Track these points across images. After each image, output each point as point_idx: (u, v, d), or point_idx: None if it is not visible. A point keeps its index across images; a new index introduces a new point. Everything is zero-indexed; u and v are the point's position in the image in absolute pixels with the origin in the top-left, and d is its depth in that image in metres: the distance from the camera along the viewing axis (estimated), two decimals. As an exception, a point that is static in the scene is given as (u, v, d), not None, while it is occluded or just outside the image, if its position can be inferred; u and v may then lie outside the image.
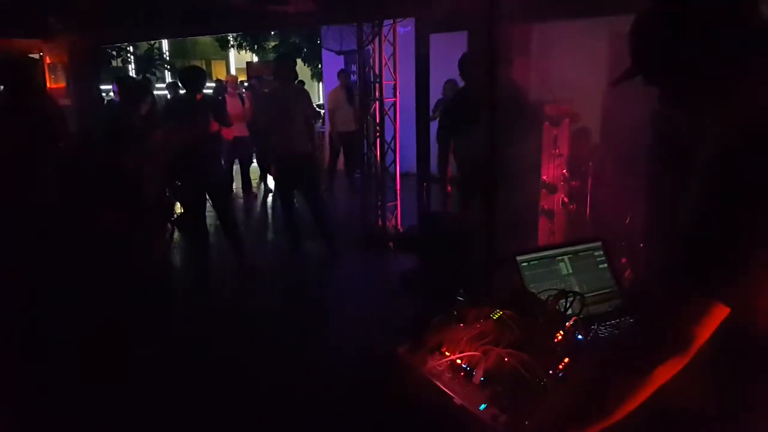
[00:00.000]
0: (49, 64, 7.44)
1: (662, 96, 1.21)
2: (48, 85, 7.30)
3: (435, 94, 7.19)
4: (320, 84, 15.19)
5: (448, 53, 5.71)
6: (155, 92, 9.73)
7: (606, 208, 4.37)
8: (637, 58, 1.21)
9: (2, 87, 4.04)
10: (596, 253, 1.99)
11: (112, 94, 8.18)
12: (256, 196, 9.24)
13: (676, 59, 1.13)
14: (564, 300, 1.64)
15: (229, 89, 9.06)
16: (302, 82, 5.99)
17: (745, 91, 1.08)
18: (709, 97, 1.13)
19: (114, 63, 14.07)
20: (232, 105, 8.34)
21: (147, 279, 5.11)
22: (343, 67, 9.67)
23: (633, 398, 1.02)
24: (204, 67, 16.26)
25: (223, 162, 7.76)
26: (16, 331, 3.73)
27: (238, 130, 8.18)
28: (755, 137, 1.01)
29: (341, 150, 9.02)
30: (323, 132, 10.53)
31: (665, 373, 1.00)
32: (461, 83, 4.83)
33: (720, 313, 0.98)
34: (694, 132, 1.19)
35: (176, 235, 6.67)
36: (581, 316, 1.62)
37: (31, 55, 6.21)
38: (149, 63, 14.40)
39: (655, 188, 2.56)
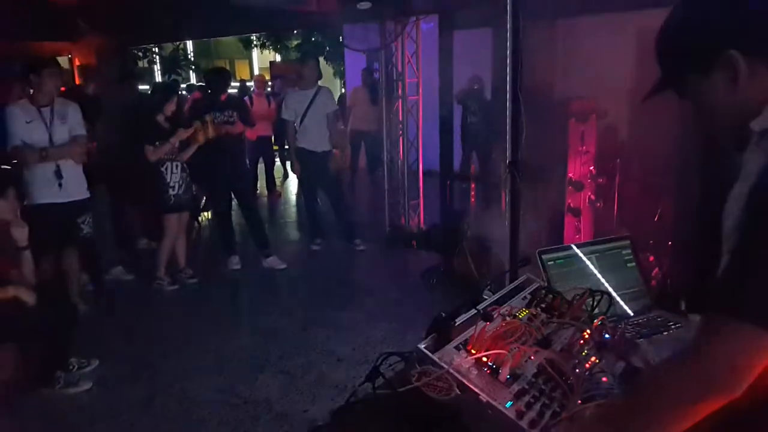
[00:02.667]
0: (78, 65, 7.60)
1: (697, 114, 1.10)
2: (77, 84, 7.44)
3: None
4: (342, 82, 15.24)
5: (471, 50, 5.69)
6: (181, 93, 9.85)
7: (633, 205, 4.32)
8: (667, 70, 1.10)
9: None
10: (624, 252, 1.97)
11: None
12: (280, 194, 9.32)
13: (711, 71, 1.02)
14: (591, 299, 1.62)
15: (256, 89, 9.13)
16: (329, 90, 6.01)
17: None
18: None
19: (140, 64, 14.29)
20: (259, 104, 8.41)
21: (172, 275, 5.19)
22: (365, 65, 9.67)
23: (673, 427, 0.96)
24: (228, 67, 16.46)
25: (248, 161, 7.83)
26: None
27: (262, 129, 8.24)
28: None
29: (362, 148, 9.01)
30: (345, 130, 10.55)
31: (709, 408, 0.93)
32: (486, 80, 4.80)
33: None
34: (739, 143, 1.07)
35: (202, 232, 6.77)
36: (608, 315, 1.60)
37: (58, 58, 6.33)
38: (174, 63, 14.60)
39: (690, 188, 2.48)
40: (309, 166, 5.87)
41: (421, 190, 6.50)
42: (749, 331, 0.90)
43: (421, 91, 6.28)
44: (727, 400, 0.92)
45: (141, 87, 8.96)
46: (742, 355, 0.91)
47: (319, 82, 5.94)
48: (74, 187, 4.14)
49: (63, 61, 7.00)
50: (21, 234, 3.30)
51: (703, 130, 1.12)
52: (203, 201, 6.42)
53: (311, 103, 5.73)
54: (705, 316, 0.98)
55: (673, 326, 1.76)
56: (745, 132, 1.02)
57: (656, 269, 3.65)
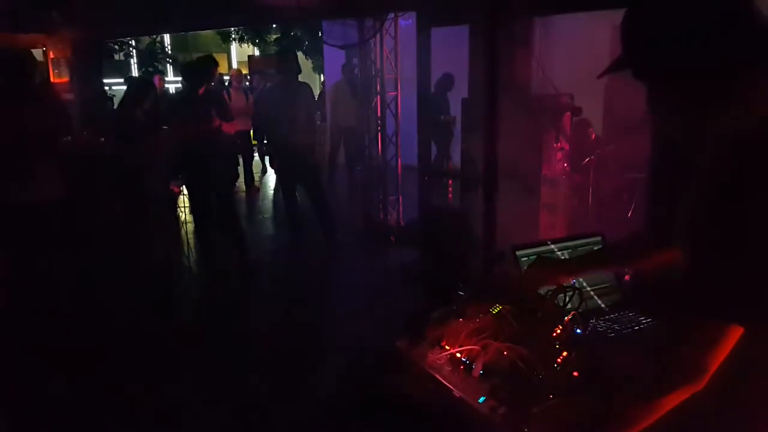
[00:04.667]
0: (52, 58, 7.44)
1: (650, 93, 1.12)
2: (51, 79, 7.31)
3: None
4: (322, 77, 15.15)
5: (449, 47, 5.71)
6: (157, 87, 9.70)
7: (607, 202, 4.39)
8: (628, 49, 1.11)
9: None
10: (596, 248, 2.00)
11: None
12: (258, 189, 9.26)
13: (667, 55, 1.04)
14: (563, 294, 1.65)
15: (234, 83, 9.06)
16: (309, 86, 5.95)
17: (741, 97, 1.00)
18: (700, 100, 1.05)
19: (116, 57, 14.06)
20: (237, 99, 8.34)
21: (150, 272, 5.14)
22: (344, 60, 9.64)
23: (640, 421, 1.00)
24: (206, 61, 16.15)
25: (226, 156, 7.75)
26: (19, 326, 3.77)
27: (241, 124, 8.17)
28: (756, 148, 0.95)
29: (341, 143, 8.99)
30: (324, 126, 10.48)
31: (675, 399, 0.98)
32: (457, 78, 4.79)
33: (734, 334, 0.94)
34: (687, 134, 1.13)
35: (179, 228, 6.70)
36: (580, 311, 1.63)
37: (32, 50, 6.21)
38: (151, 57, 14.39)
39: (655, 186, 2.54)
40: (288, 161, 5.85)
41: (399, 185, 6.52)
42: (711, 326, 0.94)
43: (399, 87, 6.30)
44: (691, 392, 0.97)
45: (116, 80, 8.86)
46: (705, 349, 0.95)
47: (299, 77, 5.91)
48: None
49: (38, 53, 6.85)
50: None
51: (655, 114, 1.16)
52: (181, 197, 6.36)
53: (290, 98, 5.70)
54: (670, 312, 1.02)
55: (644, 322, 1.80)
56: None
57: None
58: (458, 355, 1.34)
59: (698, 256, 0.98)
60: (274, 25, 14.25)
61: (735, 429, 1.07)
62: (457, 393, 1.23)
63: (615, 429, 1.03)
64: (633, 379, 1.05)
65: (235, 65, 19.08)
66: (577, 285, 1.71)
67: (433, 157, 7.18)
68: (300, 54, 11.59)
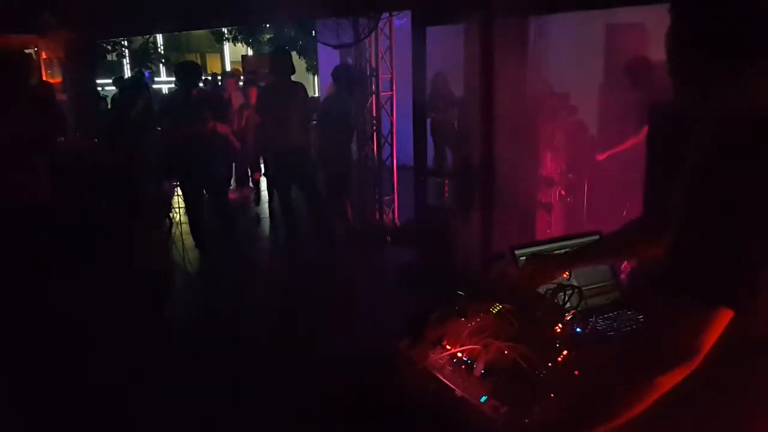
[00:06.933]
0: (44, 59, 7.41)
1: (676, 60, 1.12)
2: (44, 80, 7.26)
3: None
4: (315, 77, 15.14)
5: (444, 46, 5.71)
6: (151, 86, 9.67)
7: (603, 200, 4.40)
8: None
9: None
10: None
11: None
12: (253, 190, 9.23)
13: (707, 23, 1.05)
14: (562, 293, 1.66)
15: (233, 84, 9.03)
16: (303, 86, 5.93)
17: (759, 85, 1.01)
18: (724, 77, 1.05)
19: (109, 57, 14.00)
20: (236, 99, 8.31)
21: (145, 273, 5.12)
22: (338, 60, 9.63)
23: (636, 405, 1.01)
24: (199, 61, 16.21)
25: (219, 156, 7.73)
26: (10, 332, 3.73)
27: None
28: (753, 133, 0.96)
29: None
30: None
31: (669, 381, 0.99)
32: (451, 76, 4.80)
33: (724, 317, 0.96)
34: (692, 118, 1.12)
35: (173, 229, 6.68)
36: (579, 309, 1.64)
37: (26, 51, 6.18)
38: (144, 57, 14.34)
39: (650, 180, 2.55)
40: (282, 162, 5.84)
41: (395, 185, 6.52)
42: (701, 309, 0.97)
43: (394, 86, 6.30)
44: (685, 373, 0.98)
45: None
46: (696, 331, 0.97)
47: (293, 77, 5.89)
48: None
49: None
50: None
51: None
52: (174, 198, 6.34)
53: (284, 98, 5.69)
54: (667, 295, 1.03)
55: (642, 320, 1.81)
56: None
57: (626, 263, 3.72)
58: (459, 354, 1.34)
59: (689, 242, 0.99)
60: (267, 25, 14.23)
61: (728, 410, 1.08)
62: (458, 392, 1.23)
63: (611, 412, 1.03)
64: (626, 362, 1.06)
65: (228, 65, 19.06)
66: (575, 283, 1.73)
67: (431, 157, 7.18)
68: (294, 54, 11.56)
